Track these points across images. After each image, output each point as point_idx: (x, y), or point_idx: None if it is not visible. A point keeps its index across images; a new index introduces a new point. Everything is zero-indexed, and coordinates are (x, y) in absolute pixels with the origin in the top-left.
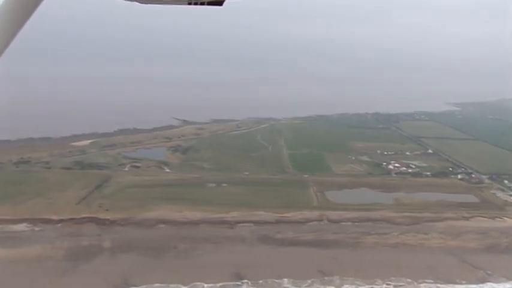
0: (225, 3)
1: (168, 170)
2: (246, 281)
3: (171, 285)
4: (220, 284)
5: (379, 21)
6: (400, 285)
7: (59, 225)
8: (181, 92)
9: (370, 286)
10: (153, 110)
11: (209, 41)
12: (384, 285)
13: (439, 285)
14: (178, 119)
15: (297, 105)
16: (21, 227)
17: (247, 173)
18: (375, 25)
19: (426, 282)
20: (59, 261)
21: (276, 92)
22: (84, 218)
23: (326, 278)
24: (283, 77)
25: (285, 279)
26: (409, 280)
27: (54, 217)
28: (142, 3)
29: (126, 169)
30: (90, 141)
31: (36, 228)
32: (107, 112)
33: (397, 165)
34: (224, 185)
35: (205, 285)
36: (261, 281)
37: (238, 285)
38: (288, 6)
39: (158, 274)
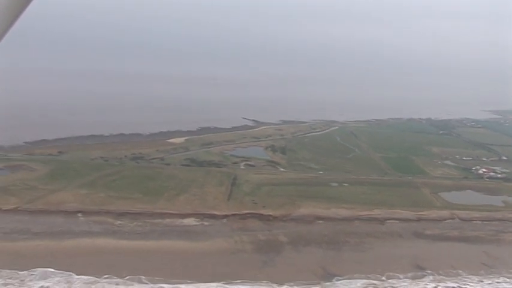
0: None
1: (282, 169)
2: (429, 271)
3: (369, 276)
4: (411, 273)
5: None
6: None
7: (224, 220)
8: (235, 91)
9: None
10: (220, 110)
11: (253, 40)
12: None
13: None
14: (248, 119)
15: (347, 107)
16: (190, 221)
17: (354, 174)
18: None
19: None
20: (250, 253)
21: (319, 94)
22: (247, 214)
23: (493, 269)
24: (315, 77)
25: (459, 270)
26: None
27: (217, 212)
28: None
29: (242, 167)
30: (184, 138)
31: (206, 223)
32: (175, 110)
33: (484, 170)
34: (345, 184)
35: (401, 275)
36: (441, 272)
37: (424, 275)
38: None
39: (348, 265)
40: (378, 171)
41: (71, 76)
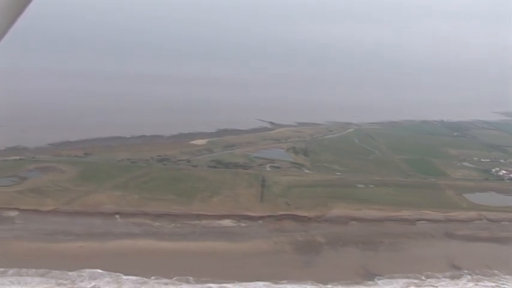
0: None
1: (307, 171)
2: (465, 271)
3: (409, 275)
4: (448, 273)
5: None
6: None
7: (260, 221)
8: (245, 92)
9: None
10: (233, 111)
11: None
12: None
13: None
14: (264, 121)
15: (358, 109)
16: (227, 222)
17: (378, 176)
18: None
19: None
20: (291, 254)
21: (329, 95)
22: (282, 215)
23: None
24: (322, 78)
25: (495, 270)
26: None
27: (252, 214)
28: None
29: (268, 169)
30: (205, 140)
31: (242, 224)
32: (188, 112)
33: (504, 171)
34: (371, 186)
35: (439, 275)
36: (477, 271)
37: (461, 274)
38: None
39: (386, 265)
40: (400, 173)
41: (80, 77)
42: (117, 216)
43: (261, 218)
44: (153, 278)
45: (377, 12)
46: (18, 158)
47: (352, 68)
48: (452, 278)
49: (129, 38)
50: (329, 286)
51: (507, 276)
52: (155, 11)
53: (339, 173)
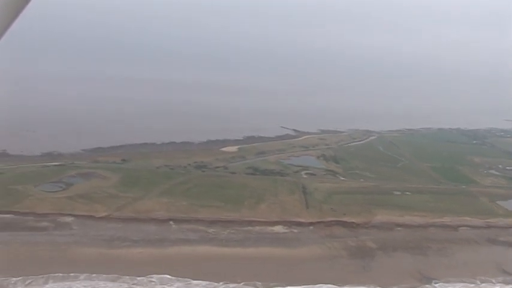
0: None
1: (342, 178)
2: None
3: (464, 279)
4: (500, 278)
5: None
6: None
7: (311, 227)
8: (262, 99)
9: None
10: (255, 118)
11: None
12: None
13: None
14: (287, 128)
15: (375, 117)
16: (279, 228)
17: (410, 183)
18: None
19: None
20: (347, 259)
21: (344, 102)
22: (331, 221)
23: None
24: (336, 85)
25: None
26: None
27: (302, 220)
28: None
29: (304, 176)
30: (236, 147)
31: (294, 230)
32: (209, 118)
33: None
34: (407, 193)
35: (493, 280)
36: None
37: None
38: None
39: (439, 270)
40: (431, 180)
41: (102, 82)
42: (171, 222)
43: (311, 224)
44: (221, 283)
45: (388, 19)
46: (57, 164)
47: (362, 75)
48: (506, 283)
49: (147, 42)
50: None
51: None
52: (174, 18)
53: (372, 180)
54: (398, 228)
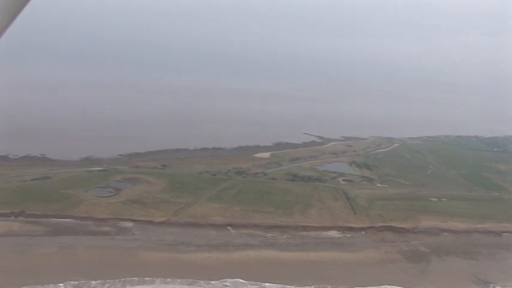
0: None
1: (379, 185)
2: None
3: None
4: None
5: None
6: None
7: (363, 232)
8: (280, 105)
9: None
10: (277, 124)
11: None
12: None
13: None
14: (311, 135)
15: (394, 123)
16: (333, 233)
17: (444, 189)
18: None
19: None
20: (404, 262)
21: (360, 109)
22: (381, 226)
23: None
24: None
25: None
26: None
27: (354, 225)
28: None
29: (342, 182)
30: (268, 153)
31: (348, 235)
32: (234, 123)
33: None
34: (444, 199)
35: None
36: None
37: None
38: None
39: (493, 273)
40: (462, 187)
41: (129, 89)
42: (228, 227)
43: (363, 229)
44: (293, 286)
45: (402, 26)
46: (100, 168)
47: (378, 82)
48: None
49: (178, 47)
50: None
51: None
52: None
53: (407, 187)
54: (445, 234)
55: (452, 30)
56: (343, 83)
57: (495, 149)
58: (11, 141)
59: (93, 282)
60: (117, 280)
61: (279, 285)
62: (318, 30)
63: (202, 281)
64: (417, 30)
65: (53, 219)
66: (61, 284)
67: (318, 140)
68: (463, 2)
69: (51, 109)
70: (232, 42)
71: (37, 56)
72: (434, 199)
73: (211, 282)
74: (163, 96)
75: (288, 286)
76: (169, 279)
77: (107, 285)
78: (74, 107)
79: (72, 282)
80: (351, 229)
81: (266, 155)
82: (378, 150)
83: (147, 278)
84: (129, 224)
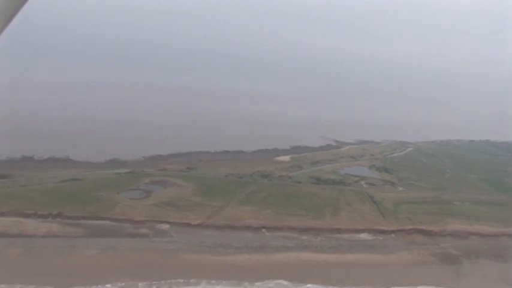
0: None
1: (401, 188)
2: None
3: None
4: None
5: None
6: None
7: (393, 235)
8: (293, 109)
9: None
10: (292, 128)
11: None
12: None
13: None
14: (326, 138)
15: (406, 127)
16: (365, 236)
17: (465, 193)
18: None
19: None
20: (438, 264)
21: (371, 112)
22: (411, 229)
23: None
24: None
25: None
26: None
27: (383, 228)
28: None
29: (365, 186)
30: (288, 157)
31: (379, 238)
32: (248, 125)
33: None
34: (467, 203)
35: None
36: None
37: None
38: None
39: None
40: (483, 191)
41: (148, 91)
42: (263, 230)
43: (393, 232)
44: (336, 287)
45: (412, 28)
46: (128, 171)
47: (388, 85)
48: None
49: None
50: None
51: None
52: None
53: (429, 191)
54: (473, 237)
55: (452, 30)
56: (344, 83)
57: (509, 154)
58: (32, 143)
59: (140, 283)
60: (163, 282)
61: (322, 286)
62: (318, 30)
63: (246, 283)
64: (417, 30)
65: (90, 221)
66: (108, 285)
67: (333, 143)
68: (463, 2)
69: (64, 110)
70: (232, 42)
71: (41, 56)
72: (458, 203)
73: (256, 283)
74: (172, 98)
75: (330, 287)
76: (213, 281)
77: (154, 287)
78: (85, 108)
79: (119, 284)
80: (381, 232)
81: (286, 158)
82: (394, 154)
83: (192, 280)
84: (166, 226)
